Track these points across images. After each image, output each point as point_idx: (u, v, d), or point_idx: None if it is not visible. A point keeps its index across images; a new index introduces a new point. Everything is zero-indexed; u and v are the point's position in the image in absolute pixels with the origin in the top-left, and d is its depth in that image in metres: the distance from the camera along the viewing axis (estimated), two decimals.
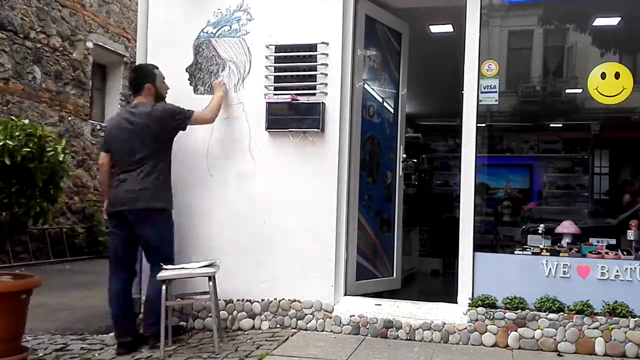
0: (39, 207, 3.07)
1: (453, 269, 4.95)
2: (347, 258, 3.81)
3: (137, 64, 3.93)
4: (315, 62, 3.76)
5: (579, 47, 4.62)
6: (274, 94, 3.80)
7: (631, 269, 3.36)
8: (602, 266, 3.38)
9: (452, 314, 3.56)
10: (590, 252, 3.52)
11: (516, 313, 3.40)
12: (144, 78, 3.62)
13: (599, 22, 4.29)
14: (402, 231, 4.73)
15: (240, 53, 3.90)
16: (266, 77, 3.85)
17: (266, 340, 3.48)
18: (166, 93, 3.69)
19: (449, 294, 3.82)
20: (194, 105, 3.67)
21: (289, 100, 3.74)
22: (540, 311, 3.39)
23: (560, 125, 6.47)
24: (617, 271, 3.33)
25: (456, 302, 3.64)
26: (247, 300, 3.79)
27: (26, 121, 3.08)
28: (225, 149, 3.60)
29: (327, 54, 3.75)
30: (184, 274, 3.34)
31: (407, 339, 3.49)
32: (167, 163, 3.56)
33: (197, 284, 3.52)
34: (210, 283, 3.31)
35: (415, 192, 6.80)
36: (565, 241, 3.76)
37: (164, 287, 3.25)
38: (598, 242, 3.65)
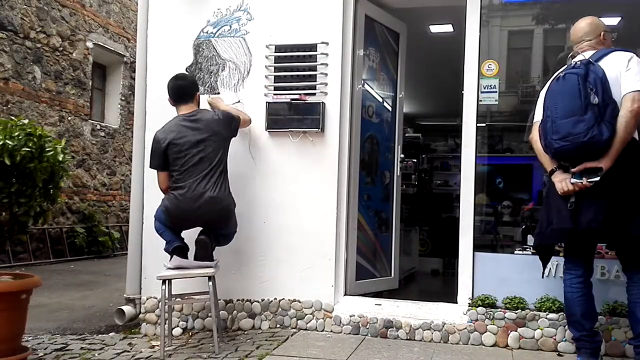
0: (39, 207, 3.06)
1: (453, 269, 4.96)
2: (347, 258, 3.81)
3: (180, 73, 3.68)
4: (315, 62, 3.77)
5: None
6: (274, 94, 3.81)
7: None
8: (602, 266, 3.37)
9: (452, 314, 3.56)
10: None
11: (516, 313, 3.41)
12: (194, 86, 3.58)
13: None
14: (401, 231, 4.72)
15: (240, 53, 3.90)
16: (266, 77, 3.85)
17: (266, 340, 3.48)
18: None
19: (449, 294, 3.82)
20: None
21: (292, 99, 3.74)
22: (540, 311, 3.39)
23: None
24: (617, 271, 3.31)
25: (456, 302, 3.64)
26: (247, 300, 3.79)
27: (26, 121, 3.07)
28: None
29: (327, 54, 3.75)
30: (184, 274, 3.34)
31: (407, 339, 3.49)
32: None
33: (197, 284, 3.52)
34: (210, 283, 3.31)
35: (415, 192, 6.81)
36: None
37: (164, 287, 3.26)
38: None
